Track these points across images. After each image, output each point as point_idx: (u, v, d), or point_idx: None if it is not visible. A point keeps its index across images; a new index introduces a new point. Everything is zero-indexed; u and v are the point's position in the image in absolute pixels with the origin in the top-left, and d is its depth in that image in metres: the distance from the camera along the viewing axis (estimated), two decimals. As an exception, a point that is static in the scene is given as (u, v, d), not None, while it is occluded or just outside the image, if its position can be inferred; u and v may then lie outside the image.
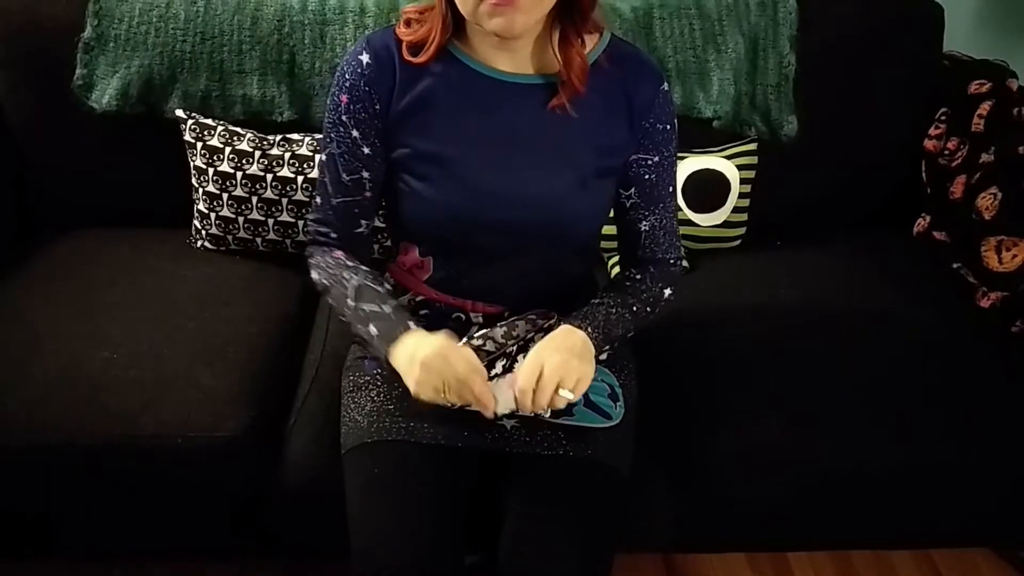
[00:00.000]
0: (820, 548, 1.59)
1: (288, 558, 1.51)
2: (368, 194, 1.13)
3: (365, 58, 1.07)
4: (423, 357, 1.00)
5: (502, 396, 1.03)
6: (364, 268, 1.14)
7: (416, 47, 1.07)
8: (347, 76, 1.08)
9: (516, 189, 1.08)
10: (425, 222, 1.10)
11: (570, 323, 1.08)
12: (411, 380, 1.01)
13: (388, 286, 1.14)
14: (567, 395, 1.01)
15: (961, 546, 1.61)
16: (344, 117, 1.09)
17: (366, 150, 1.10)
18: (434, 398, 1.01)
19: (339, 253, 1.15)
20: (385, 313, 1.07)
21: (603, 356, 1.11)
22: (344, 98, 1.08)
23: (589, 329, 1.07)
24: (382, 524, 1.04)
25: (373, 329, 1.06)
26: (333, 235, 1.15)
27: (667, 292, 1.18)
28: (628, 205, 1.16)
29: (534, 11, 0.99)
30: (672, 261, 1.21)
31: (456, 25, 1.06)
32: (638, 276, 1.18)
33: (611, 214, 1.20)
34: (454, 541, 1.06)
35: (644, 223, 1.16)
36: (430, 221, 1.10)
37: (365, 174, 1.11)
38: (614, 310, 1.12)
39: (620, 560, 1.10)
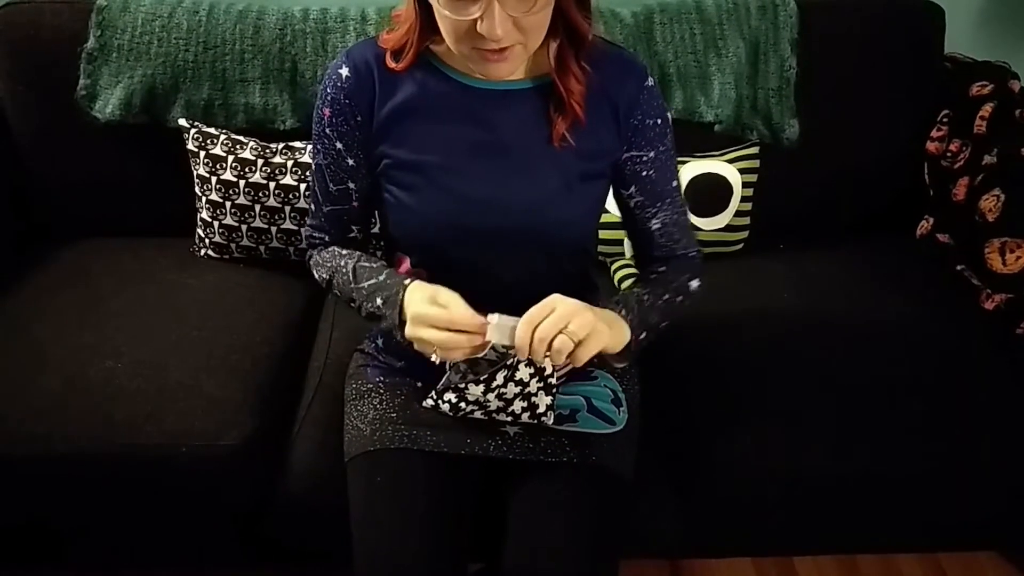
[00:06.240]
0: (826, 552, 1.58)
1: (292, 566, 1.50)
2: (355, 204, 1.14)
3: (345, 71, 1.07)
4: (409, 334, 0.99)
5: (497, 324, 0.96)
6: (357, 252, 1.14)
7: (396, 53, 1.06)
8: (328, 90, 1.08)
9: (500, 196, 1.07)
10: (412, 233, 1.10)
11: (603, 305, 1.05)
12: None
13: (384, 261, 1.14)
14: (566, 342, 0.94)
15: (967, 549, 1.60)
16: (328, 130, 1.09)
17: (350, 161, 1.10)
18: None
19: (333, 248, 1.17)
20: (380, 282, 1.07)
21: (643, 342, 1.08)
22: (327, 111, 1.08)
23: (623, 311, 1.05)
24: (385, 532, 1.04)
25: (379, 300, 1.06)
26: (327, 239, 1.18)
27: (694, 284, 1.16)
28: (632, 205, 1.14)
29: (519, 61, 1.00)
30: (692, 255, 1.19)
31: (434, 30, 1.03)
32: (662, 268, 1.16)
33: (618, 217, 1.19)
34: (457, 549, 1.06)
35: (654, 221, 1.15)
36: (417, 231, 1.09)
37: (351, 184, 1.12)
38: (646, 297, 1.10)
39: (625, 566, 1.10)
